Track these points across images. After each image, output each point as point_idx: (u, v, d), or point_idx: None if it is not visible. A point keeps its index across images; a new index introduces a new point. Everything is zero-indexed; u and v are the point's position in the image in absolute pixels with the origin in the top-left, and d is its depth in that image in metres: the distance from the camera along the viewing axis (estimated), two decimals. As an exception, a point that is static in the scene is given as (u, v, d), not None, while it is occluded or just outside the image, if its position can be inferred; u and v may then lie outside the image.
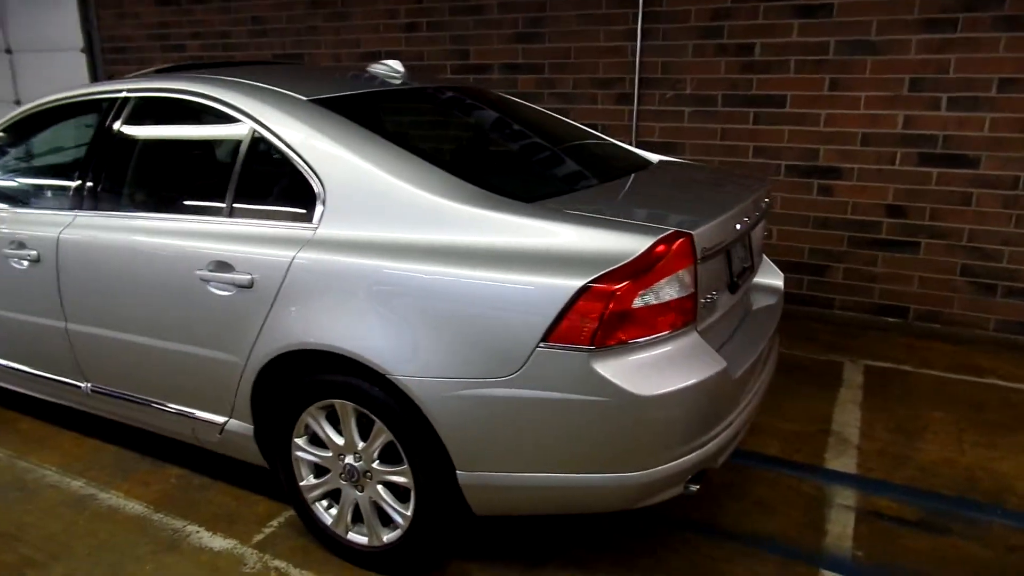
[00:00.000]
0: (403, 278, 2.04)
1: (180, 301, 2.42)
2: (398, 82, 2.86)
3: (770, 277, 2.89)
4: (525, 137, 2.81)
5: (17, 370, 3.10)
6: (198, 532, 2.56)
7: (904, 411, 3.36)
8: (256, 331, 2.28)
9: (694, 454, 2.02)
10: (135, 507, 2.71)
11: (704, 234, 2.00)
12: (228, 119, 2.44)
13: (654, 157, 3.15)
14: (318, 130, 2.28)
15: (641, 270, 1.87)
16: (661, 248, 1.89)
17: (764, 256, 2.93)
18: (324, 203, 2.21)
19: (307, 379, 2.25)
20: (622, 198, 2.35)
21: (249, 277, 2.27)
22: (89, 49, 7.50)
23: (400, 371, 2.04)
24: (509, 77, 5.40)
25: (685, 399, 1.94)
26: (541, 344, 1.89)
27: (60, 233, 2.73)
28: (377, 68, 2.93)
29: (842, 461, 2.95)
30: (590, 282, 1.86)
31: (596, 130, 5.10)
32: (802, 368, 3.86)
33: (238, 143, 2.41)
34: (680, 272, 1.94)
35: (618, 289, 1.85)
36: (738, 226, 2.28)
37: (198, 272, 2.36)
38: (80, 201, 2.75)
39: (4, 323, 3.02)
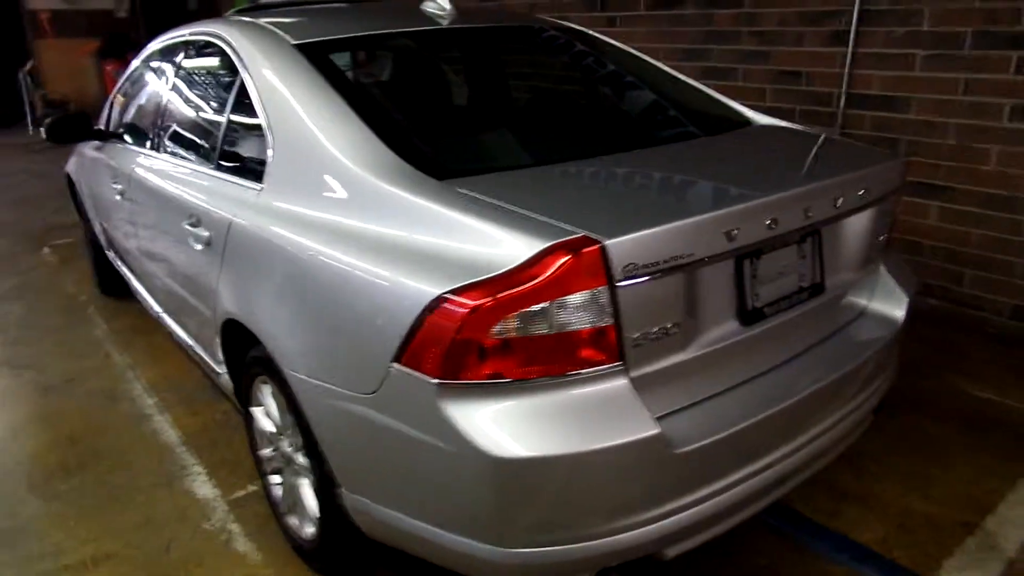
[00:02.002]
0: (301, 259, 1.75)
1: (176, 247, 2.42)
2: (445, 22, 2.47)
3: (884, 300, 2.02)
4: (554, 90, 2.27)
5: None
6: (199, 474, 2.62)
7: None
8: (216, 292, 2.18)
9: (596, 543, 1.47)
10: (172, 435, 2.87)
11: (638, 242, 1.38)
12: (232, 65, 2.31)
13: (762, 119, 2.37)
14: (282, 80, 2.04)
15: (516, 286, 1.35)
16: (551, 259, 1.34)
17: (883, 268, 2.06)
18: (270, 163, 1.99)
19: (248, 349, 2.10)
20: (596, 179, 1.74)
21: (208, 235, 2.16)
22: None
23: (287, 364, 1.78)
24: (704, 12, 4.57)
25: (564, 470, 1.40)
26: (394, 364, 1.48)
27: (133, 168, 2.91)
28: (428, 6, 2.57)
29: (967, 579, 2.02)
30: (447, 293, 1.39)
31: (798, 79, 4.15)
32: (998, 423, 2.76)
33: (231, 89, 2.28)
34: (581, 294, 1.36)
35: (477, 307, 1.35)
36: (770, 225, 1.57)
37: (184, 223, 2.32)
38: (147, 141, 2.88)
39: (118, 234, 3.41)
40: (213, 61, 2.47)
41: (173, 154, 2.65)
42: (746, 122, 2.34)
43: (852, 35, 3.87)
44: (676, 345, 1.52)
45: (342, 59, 2.18)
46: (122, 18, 10.98)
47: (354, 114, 1.82)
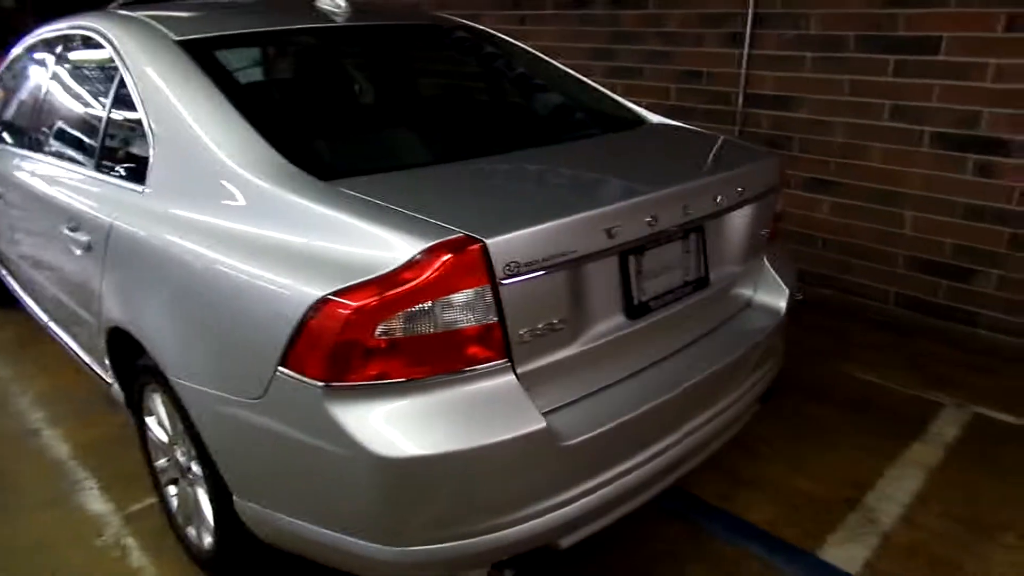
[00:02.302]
0: (184, 262, 1.70)
1: (58, 253, 2.31)
2: (339, 19, 2.44)
3: (766, 292, 2.12)
4: (450, 89, 2.28)
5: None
6: (92, 490, 2.51)
7: (994, 495, 2.39)
8: (99, 300, 2.09)
9: (490, 536, 1.49)
10: (62, 449, 2.74)
11: (519, 241, 1.41)
12: (111, 61, 2.21)
13: (654, 118, 2.44)
14: (162, 77, 1.97)
15: (398, 286, 1.35)
16: (432, 259, 1.35)
17: (765, 261, 2.16)
18: (152, 163, 1.92)
19: (136, 358, 2.02)
20: (483, 178, 1.77)
21: (88, 239, 2.07)
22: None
23: (173, 372, 1.73)
24: (612, 13, 4.67)
25: (454, 467, 1.41)
26: (280, 368, 1.46)
27: (10, 169, 2.75)
28: (322, 2, 2.53)
29: (848, 552, 2.15)
30: (328, 294, 1.38)
31: (700, 79, 4.30)
32: (881, 406, 2.94)
33: (111, 86, 2.19)
34: (464, 293, 1.38)
35: (359, 308, 1.35)
36: (650, 222, 1.63)
37: (63, 227, 2.21)
38: (24, 140, 2.73)
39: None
40: (92, 56, 2.36)
41: (51, 154, 2.52)
42: (640, 121, 2.41)
43: (747, 37, 4.03)
44: (563, 340, 1.56)
45: (233, 57, 2.11)
46: (8, 8, 10.33)
47: (237, 113, 1.77)
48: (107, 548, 2.23)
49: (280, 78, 2.54)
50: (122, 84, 2.10)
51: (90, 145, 2.25)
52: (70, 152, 2.40)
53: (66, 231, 2.19)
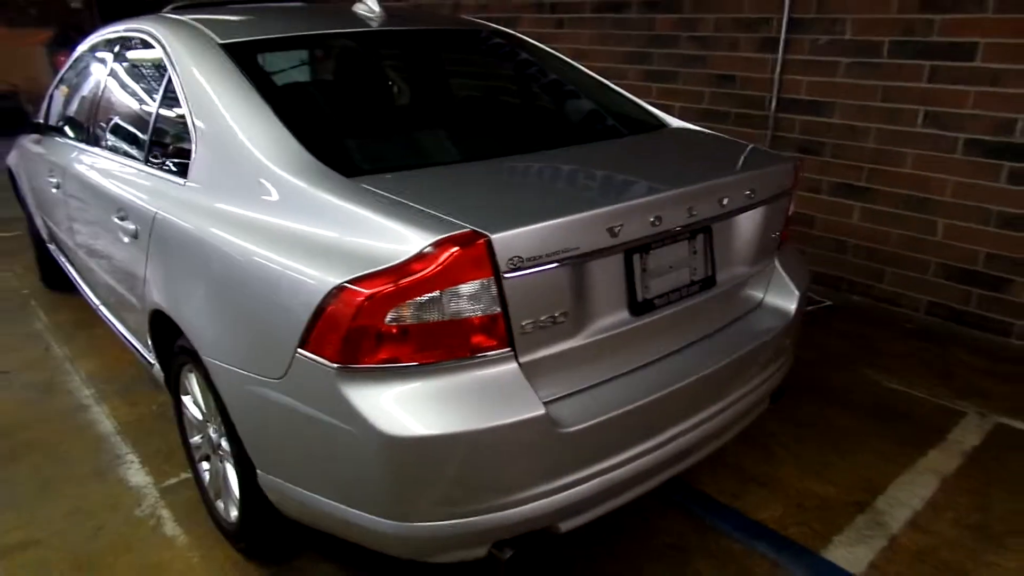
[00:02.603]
0: (219, 251, 1.83)
1: (108, 241, 2.47)
2: (374, 24, 2.56)
3: (777, 294, 2.16)
4: (478, 91, 2.38)
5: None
6: (133, 464, 2.68)
7: (1007, 504, 2.39)
8: (144, 284, 2.24)
9: (491, 516, 1.58)
10: (108, 426, 2.92)
11: (522, 237, 1.49)
12: (161, 62, 2.37)
13: (674, 122, 2.50)
14: (206, 78, 2.10)
15: (408, 276, 1.45)
16: (440, 251, 1.44)
17: (777, 264, 2.20)
18: (194, 158, 2.06)
19: (175, 339, 2.16)
20: (498, 177, 1.85)
21: (135, 228, 2.22)
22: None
23: (205, 352, 1.86)
24: (646, 17, 4.72)
25: (457, 448, 1.50)
26: (299, 349, 1.57)
27: (68, 161, 2.95)
28: (359, 7, 2.65)
29: (853, 553, 2.17)
30: (346, 282, 1.49)
31: (733, 83, 4.31)
32: (903, 413, 2.93)
33: (160, 86, 2.34)
34: (469, 284, 1.47)
35: (371, 296, 1.45)
36: (654, 222, 1.69)
37: (113, 217, 2.37)
38: (81, 134, 2.92)
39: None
40: (145, 57, 2.52)
41: (105, 148, 2.69)
42: (659, 125, 2.47)
43: (782, 42, 4.04)
44: (566, 333, 1.64)
45: (272, 59, 2.25)
46: (76, 8, 10.81)
47: (272, 113, 1.90)
48: (144, 518, 2.38)
49: (314, 80, 2.67)
50: (170, 84, 2.25)
51: (140, 140, 2.41)
52: (122, 146, 2.56)
53: (116, 220, 2.35)
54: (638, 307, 1.77)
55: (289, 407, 1.64)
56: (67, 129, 3.11)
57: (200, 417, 2.22)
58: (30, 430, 2.90)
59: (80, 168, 2.82)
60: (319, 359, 1.52)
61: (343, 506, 1.65)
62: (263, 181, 1.79)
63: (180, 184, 2.07)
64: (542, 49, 2.73)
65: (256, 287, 1.69)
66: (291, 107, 2.02)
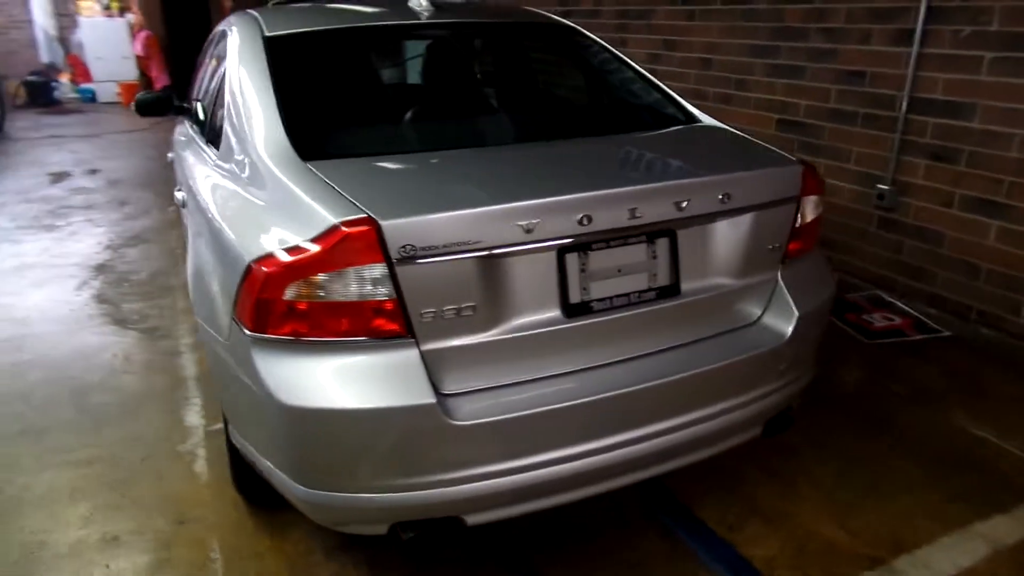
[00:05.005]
0: (206, 218, 2.03)
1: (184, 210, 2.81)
2: (425, 17, 2.65)
3: (775, 313, 1.96)
4: (457, 83, 2.37)
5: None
6: (195, 406, 3.02)
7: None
8: (186, 249, 2.53)
9: (388, 496, 1.63)
10: (192, 371, 3.31)
11: (415, 226, 1.51)
12: (227, 50, 2.63)
13: (706, 119, 2.34)
14: (242, 65, 2.32)
15: (301, 255, 1.53)
16: (333, 234, 1.51)
17: (780, 280, 1.99)
18: (223, 135, 2.28)
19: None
20: (437, 167, 1.86)
21: (182, 197, 2.51)
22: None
23: (195, 311, 2.08)
24: (775, 8, 4.37)
25: (347, 424, 1.57)
26: (233, 316, 1.71)
27: (179, 133, 3.37)
28: (412, 2, 2.75)
29: (837, 612, 1.93)
30: (258, 256, 1.60)
31: (862, 80, 3.87)
32: (976, 464, 2.52)
33: (224, 74, 2.60)
34: (359, 268, 1.52)
35: (271, 272, 1.55)
36: (582, 221, 1.63)
37: (176, 191, 2.70)
38: (192, 116, 3.32)
39: None
40: (224, 46, 2.82)
41: (195, 124, 3.06)
42: (689, 120, 2.32)
43: (918, 34, 3.56)
44: (475, 326, 1.63)
45: (302, 50, 2.41)
46: (228, 7, 12.01)
47: (274, 99, 2.05)
48: (184, 453, 2.70)
49: (329, 70, 2.81)
50: (224, 72, 2.50)
51: (205, 120, 2.71)
52: (197, 126, 2.90)
53: (176, 194, 2.67)
54: (572, 309, 1.71)
55: (230, 366, 1.79)
56: (189, 112, 3.56)
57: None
58: (134, 366, 3.37)
59: (181, 142, 3.21)
60: (240, 326, 1.65)
61: (269, 464, 1.78)
62: (246, 158, 1.95)
63: (214, 157, 2.31)
64: (592, 42, 2.65)
65: (218, 254, 1.86)
66: (295, 95, 2.15)
